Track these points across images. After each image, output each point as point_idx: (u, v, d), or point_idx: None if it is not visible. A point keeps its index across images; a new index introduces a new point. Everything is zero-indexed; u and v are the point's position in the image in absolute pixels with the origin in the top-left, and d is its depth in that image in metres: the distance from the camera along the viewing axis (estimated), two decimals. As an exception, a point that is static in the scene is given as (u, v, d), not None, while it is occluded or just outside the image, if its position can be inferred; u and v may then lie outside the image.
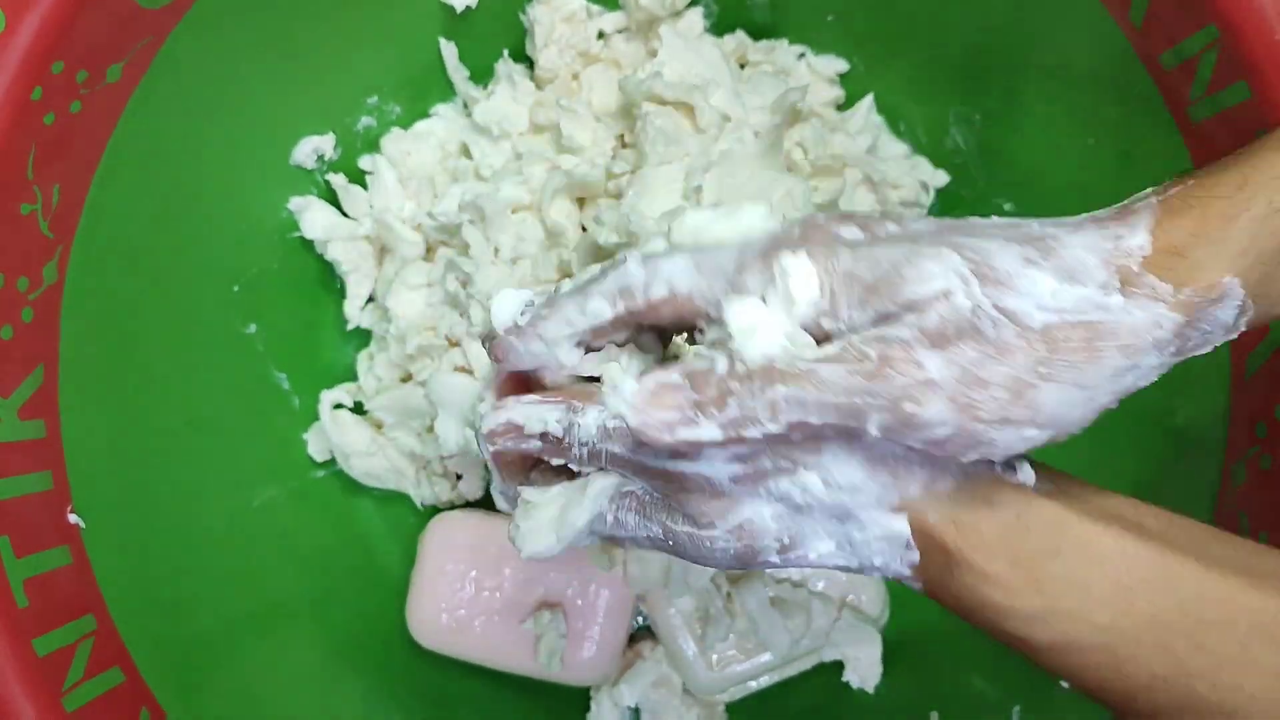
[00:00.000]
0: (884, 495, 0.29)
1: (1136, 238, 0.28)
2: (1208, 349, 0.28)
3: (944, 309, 0.27)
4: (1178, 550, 0.29)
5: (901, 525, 0.29)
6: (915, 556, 0.30)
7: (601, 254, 0.52)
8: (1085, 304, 0.27)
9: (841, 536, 0.30)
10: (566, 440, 0.31)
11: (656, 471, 0.30)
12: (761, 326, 0.28)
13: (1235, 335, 0.28)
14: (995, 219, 0.29)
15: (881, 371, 0.27)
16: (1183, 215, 0.28)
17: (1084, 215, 0.29)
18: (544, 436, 0.32)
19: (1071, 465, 0.53)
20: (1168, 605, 0.28)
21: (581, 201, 0.56)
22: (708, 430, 0.28)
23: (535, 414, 0.32)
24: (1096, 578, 0.28)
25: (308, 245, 0.59)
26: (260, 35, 0.52)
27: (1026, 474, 0.30)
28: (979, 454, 0.27)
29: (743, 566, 0.31)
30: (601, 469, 0.32)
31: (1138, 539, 0.29)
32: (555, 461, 0.33)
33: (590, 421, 0.31)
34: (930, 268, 0.27)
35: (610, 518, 0.32)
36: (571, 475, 0.33)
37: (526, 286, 0.54)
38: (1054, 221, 0.29)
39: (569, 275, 0.53)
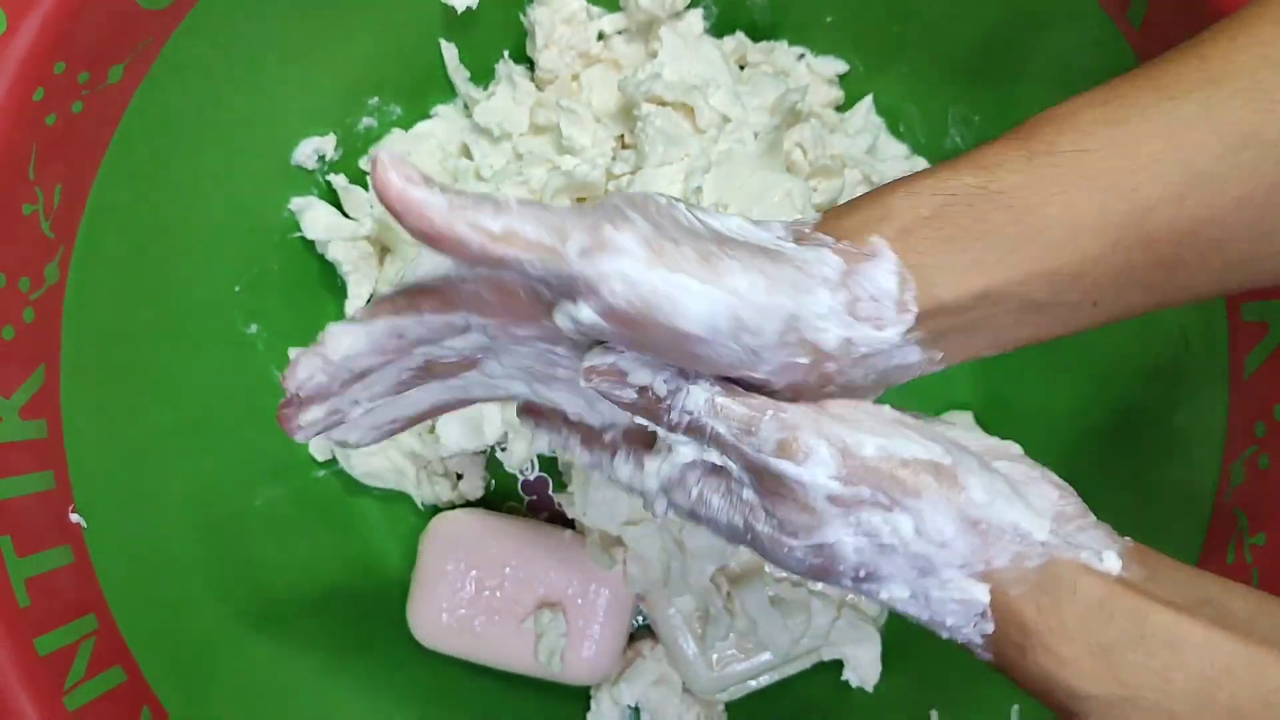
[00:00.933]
0: (971, 559, 0.29)
1: (810, 219, 0.32)
2: (888, 331, 0.29)
3: (656, 206, 0.29)
4: (1264, 640, 0.28)
5: (982, 594, 0.29)
6: (990, 628, 0.30)
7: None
8: (764, 239, 0.30)
9: (919, 588, 0.30)
10: (666, 403, 0.31)
11: (758, 465, 0.30)
12: None
13: (909, 317, 0.29)
14: None
15: (584, 211, 0.28)
16: (845, 205, 0.32)
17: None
18: (643, 391, 0.31)
19: (1072, 465, 0.54)
20: (1250, 697, 0.27)
21: (582, 202, 0.56)
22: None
23: (645, 365, 0.31)
24: (1177, 668, 0.28)
25: (309, 245, 0.59)
26: (261, 36, 0.52)
27: (1111, 562, 0.29)
28: (678, 325, 0.28)
29: (815, 578, 0.31)
30: (693, 442, 0.32)
31: (1222, 628, 0.28)
32: (639, 421, 0.32)
33: (700, 392, 0.30)
34: (659, 198, 0.30)
35: (694, 492, 0.32)
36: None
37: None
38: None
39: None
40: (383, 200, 0.27)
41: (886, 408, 0.31)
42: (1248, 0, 0.31)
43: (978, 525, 0.29)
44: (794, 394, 0.30)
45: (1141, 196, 0.29)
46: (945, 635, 0.31)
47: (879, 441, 0.29)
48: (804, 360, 0.29)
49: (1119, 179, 0.29)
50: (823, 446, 0.29)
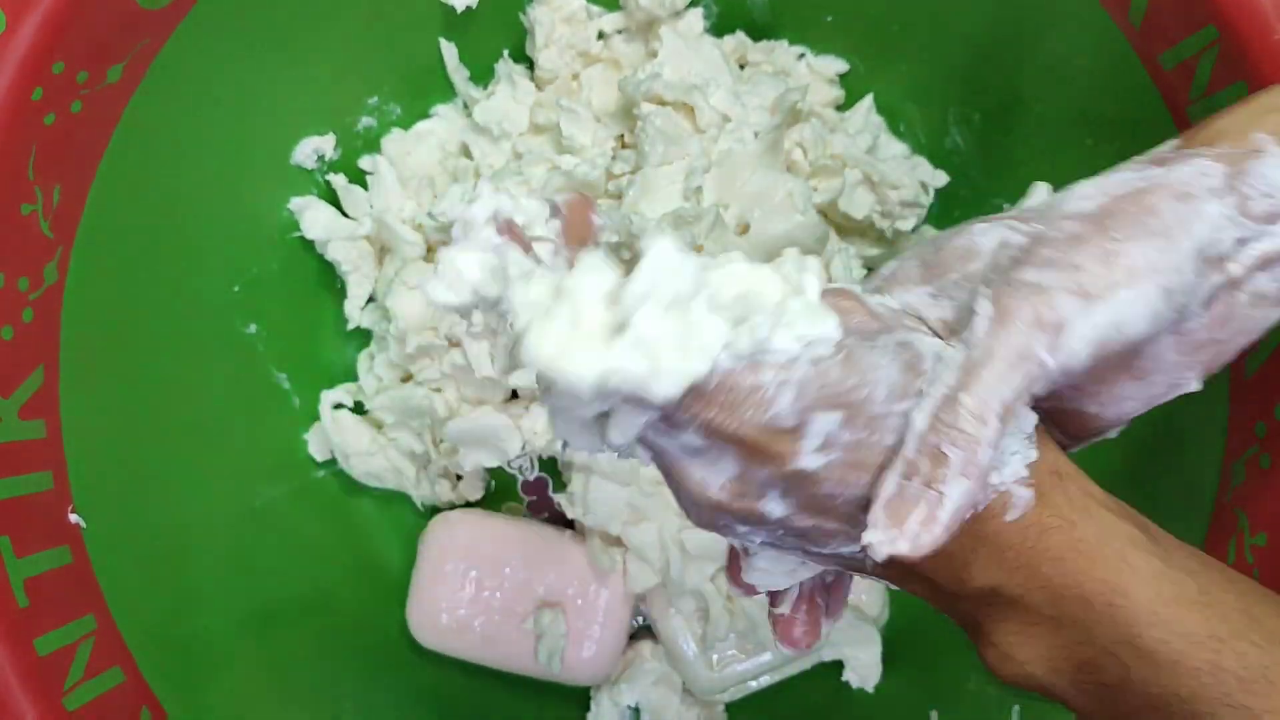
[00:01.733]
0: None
1: (1165, 146, 0.30)
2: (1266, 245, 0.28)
3: (1004, 251, 0.29)
4: None
5: None
6: None
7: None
8: (1128, 180, 0.29)
9: None
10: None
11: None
12: None
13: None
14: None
15: (1004, 315, 0.27)
16: (1201, 124, 0.30)
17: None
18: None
19: (1073, 459, 0.53)
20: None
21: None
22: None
23: None
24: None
25: (308, 245, 0.59)
26: (261, 36, 0.52)
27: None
28: (1131, 336, 0.27)
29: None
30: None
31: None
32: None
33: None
34: (977, 234, 0.30)
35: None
36: None
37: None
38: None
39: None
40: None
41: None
42: None
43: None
44: (1221, 321, 0.30)
45: None
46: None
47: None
48: (1220, 279, 0.29)
49: None
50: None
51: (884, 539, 0.26)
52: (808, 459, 0.27)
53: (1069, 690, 0.28)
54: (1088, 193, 0.29)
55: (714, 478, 0.28)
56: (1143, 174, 0.29)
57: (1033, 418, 0.28)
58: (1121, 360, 0.29)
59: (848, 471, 0.27)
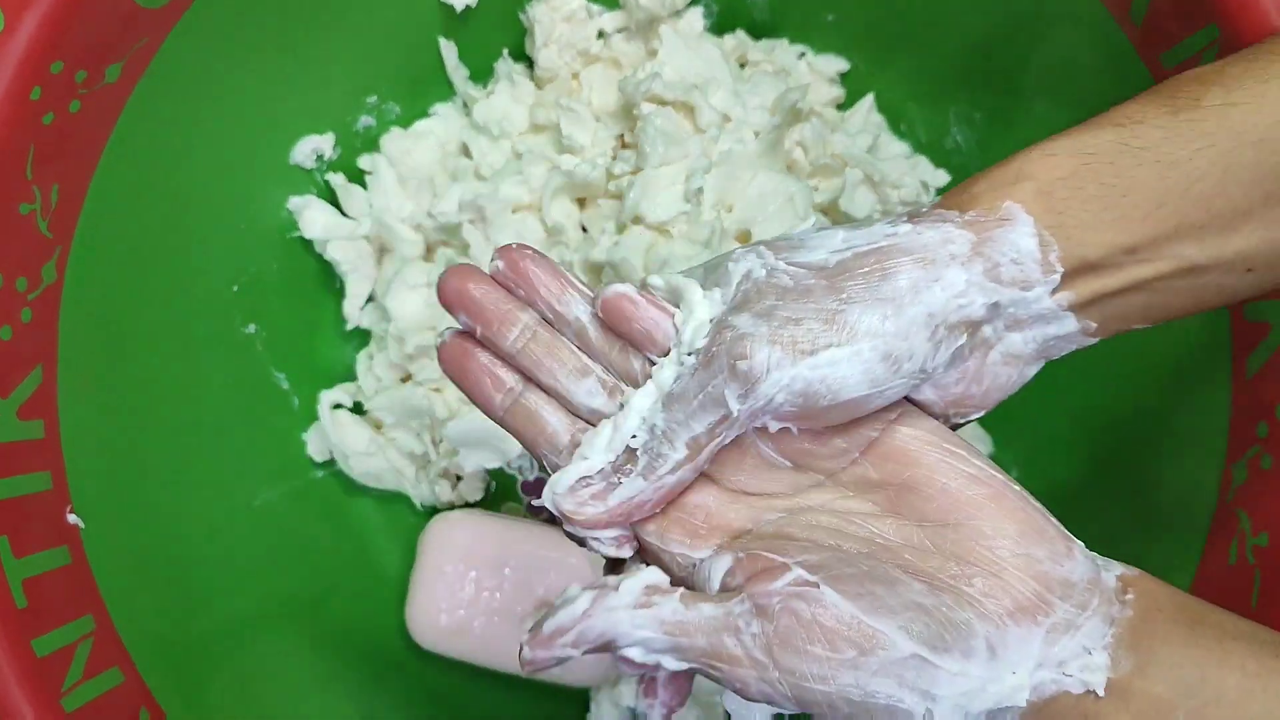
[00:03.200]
0: None
1: (924, 205, 0.31)
2: (1035, 290, 0.29)
3: (746, 284, 0.30)
4: None
5: None
6: None
7: (599, 272, 0.52)
8: (875, 236, 0.29)
9: None
10: None
11: None
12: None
13: (1055, 276, 0.29)
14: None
15: (711, 351, 0.29)
16: (975, 175, 0.31)
17: None
18: None
19: (1073, 466, 0.53)
20: None
21: (582, 202, 0.56)
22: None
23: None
24: None
25: (307, 245, 0.59)
26: (259, 35, 0.52)
27: (1097, 676, 0.27)
28: (843, 396, 0.28)
29: None
30: None
31: None
32: None
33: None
34: (735, 264, 0.31)
35: None
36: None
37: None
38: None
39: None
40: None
41: (852, 623, 0.28)
42: None
43: None
44: (975, 377, 0.30)
45: None
46: None
47: (841, 697, 0.28)
48: (963, 340, 0.29)
49: (1270, 133, 0.28)
50: (784, 703, 0.28)
51: (554, 497, 0.30)
52: None
53: None
54: (835, 244, 0.30)
55: None
56: (892, 230, 0.29)
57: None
58: (852, 409, 0.29)
59: None
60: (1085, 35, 0.48)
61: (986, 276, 0.29)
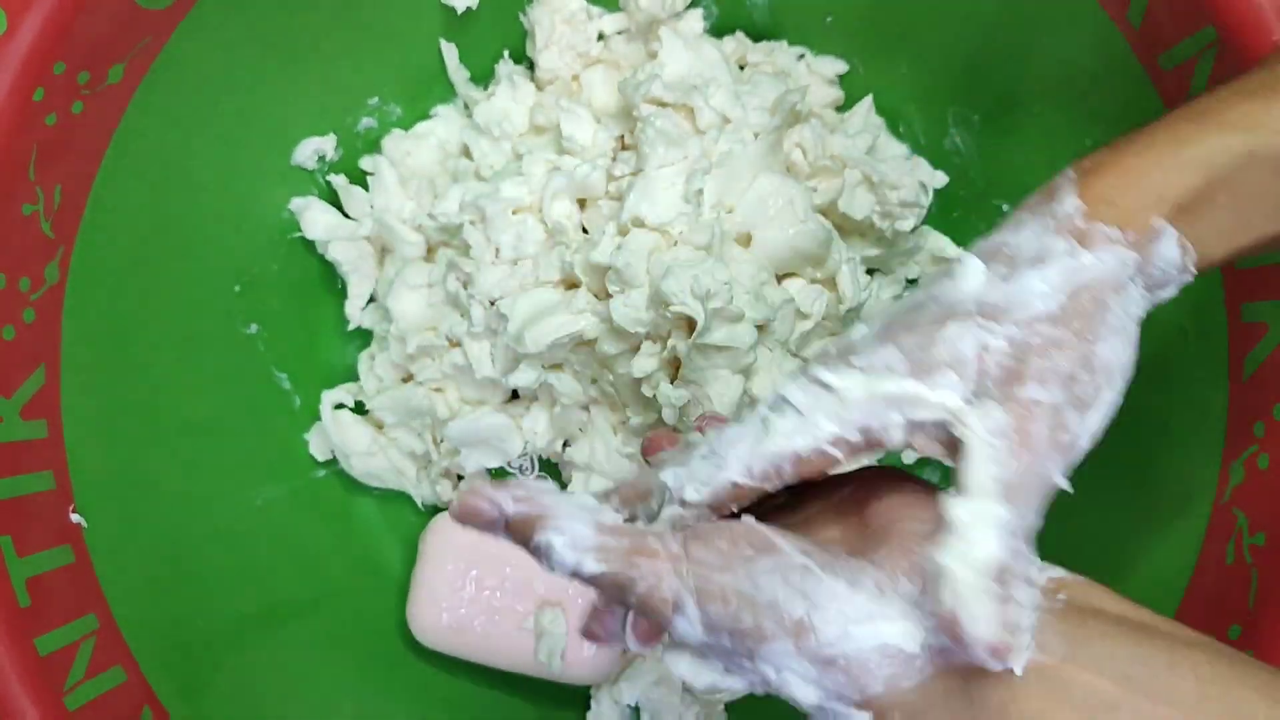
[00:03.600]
0: (844, 691, 0.29)
1: (1067, 204, 0.31)
2: (1172, 290, 0.32)
3: (989, 358, 0.30)
4: None
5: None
6: None
7: (600, 273, 0.52)
8: (1067, 274, 0.30)
9: (820, 713, 0.30)
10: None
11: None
12: None
13: (1189, 277, 0.32)
14: (928, 293, 0.32)
15: (1024, 438, 0.29)
16: (1100, 175, 0.32)
17: (1010, 211, 0.33)
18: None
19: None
20: None
21: (582, 203, 0.56)
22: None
23: None
24: None
25: (309, 246, 0.59)
26: (261, 36, 0.52)
27: (1018, 657, 0.28)
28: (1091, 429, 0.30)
29: None
30: None
31: None
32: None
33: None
34: (953, 338, 0.30)
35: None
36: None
37: (528, 287, 0.54)
38: (987, 235, 0.32)
39: (570, 276, 0.53)
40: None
41: (755, 529, 0.30)
42: None
43: (834, 663, 0.28)
44: None
45: None
46: None
47: (733, 586, 0.29)
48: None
49: None
50: (688, 601, 0.29)
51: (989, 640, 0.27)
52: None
53: None
54: (1041, 290, 0.30)
55: None
56: (1076, 266, 0.30)
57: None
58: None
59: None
60: (1083, 37, 0.48)
61: (1147, 290, 0.31)
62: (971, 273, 0.31)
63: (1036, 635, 0.28)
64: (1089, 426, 0.30)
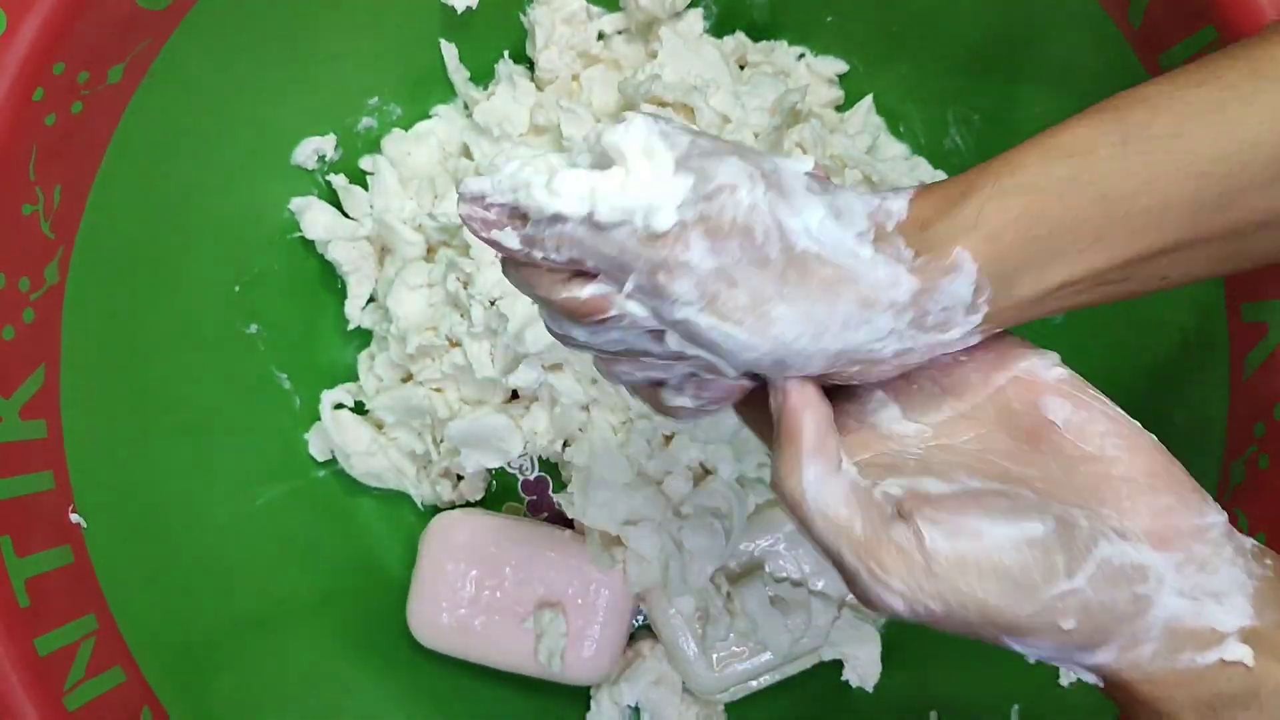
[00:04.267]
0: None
1: (896, 204, 0.30)
2: (951, 332, 0.30)
3: (727, 199, 0.28)
4: None
5: (1091, 677, 0.29)
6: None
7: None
8: (841, 247, 0.29)
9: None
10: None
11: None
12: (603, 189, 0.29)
13: (977, 316, 0.29)
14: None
15: (651, 242, 0.28)
16: (932, 194, 0.30)
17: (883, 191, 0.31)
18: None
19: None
20: None
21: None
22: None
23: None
24: None
25: (309, 245, 0.59)
26: (261, 36, 0.52)
27: (1236, 622, 0.28)
28: (702, 353, 0.29)
29: None
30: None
31: None
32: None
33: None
34: (726, 166, 0.29)
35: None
36: None
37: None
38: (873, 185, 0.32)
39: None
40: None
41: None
42: None
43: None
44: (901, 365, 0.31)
45: (1233, 182, 0.29)
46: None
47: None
48: (854, 369, 0.30)
49: (1214, 165, 0.28)
50: None
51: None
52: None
53: None
54: (812, 222, 0.29)
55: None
56: (855, 251, 0.29)
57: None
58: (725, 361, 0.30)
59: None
60: (1083, 36, 0.48)
61: (911, 325, 0.29)
62: (798, 166, 0.30)
63: (1252, 600, 0.28)
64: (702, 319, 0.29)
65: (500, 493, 0.62)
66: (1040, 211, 0.29)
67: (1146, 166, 0.29)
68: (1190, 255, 0.30)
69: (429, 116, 0.61)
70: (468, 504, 0.61)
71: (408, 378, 0.59)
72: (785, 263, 0.28)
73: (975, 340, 0.30)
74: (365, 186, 0.60)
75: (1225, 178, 0.28)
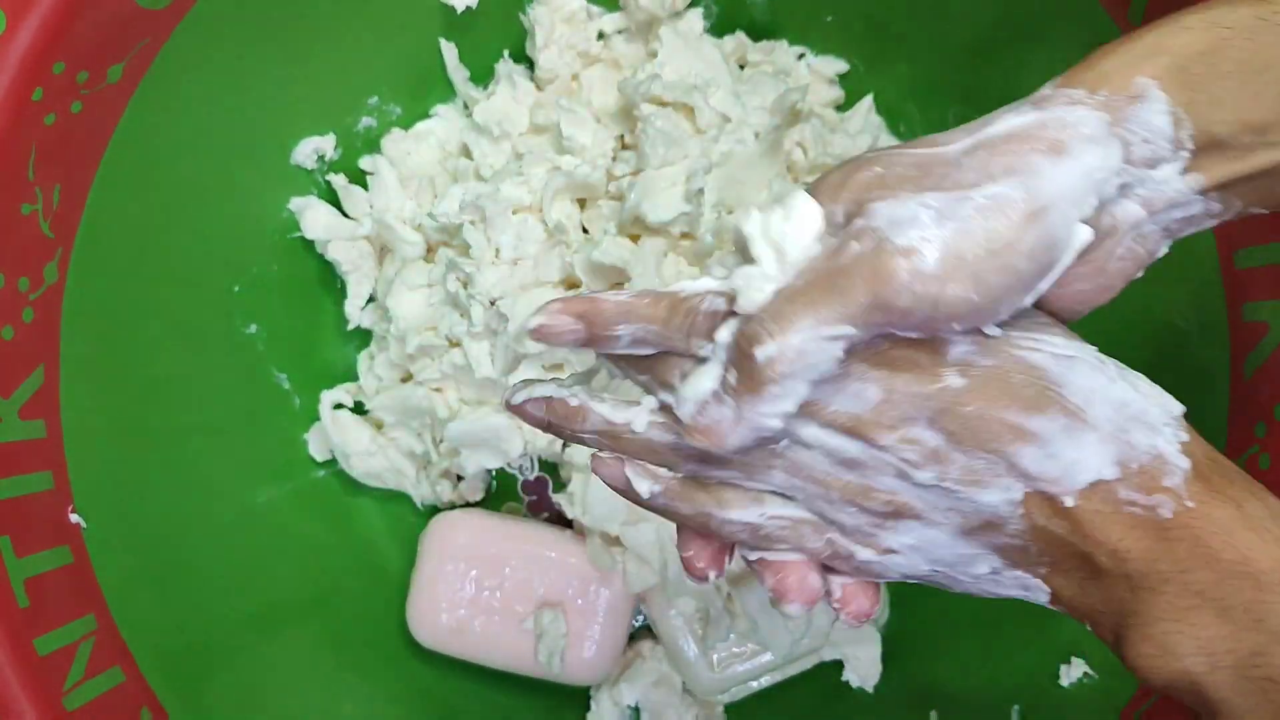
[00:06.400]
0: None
1: (1043, 89, 0.29)
2: (1168, 167, 0.28)
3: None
4: None
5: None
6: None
7: (600, 272, 0.52)
8: (999, 125, 0.28)
9: None
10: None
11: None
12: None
13: (1186, 152, 0.28)
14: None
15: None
16: (1106, 46, 0.29)
17: None
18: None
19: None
20: None
21: (583, 202, 0.56)
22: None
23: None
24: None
25: (308, 245, 0.59)
26: (261, 36, 0.52)
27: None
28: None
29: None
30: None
31: None
32: None
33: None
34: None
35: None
36: None
37: (528, 287, 0.54)
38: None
39: (571, 276, 0.53)
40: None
41: None
42: None
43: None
44: (1089, 278, 0.30)
45: None
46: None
47: None
48: (1096, 235, 0.28)
49: None
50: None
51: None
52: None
53: (1229, 688, 0.27)
54: (961, 136, 0.28)
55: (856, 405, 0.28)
56: (1017, 119, 0.28)
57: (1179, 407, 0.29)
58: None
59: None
60: (1083, 37, 0.48)
61: (1123, 157, 0.27)
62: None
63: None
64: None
65: (500, 493, 0.62)
66: (1228, 47, 0.27)
67: None
68: None
69: (429, 116, 0.61)
70: (467, 504, 0.61)
71: (407, 378, 0.59)
72: (949, 169, 0.27)
73: (1197, 207, 0.29)
74: (365, 186, 0.60)
75: None
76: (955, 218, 0.26)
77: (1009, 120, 0.28)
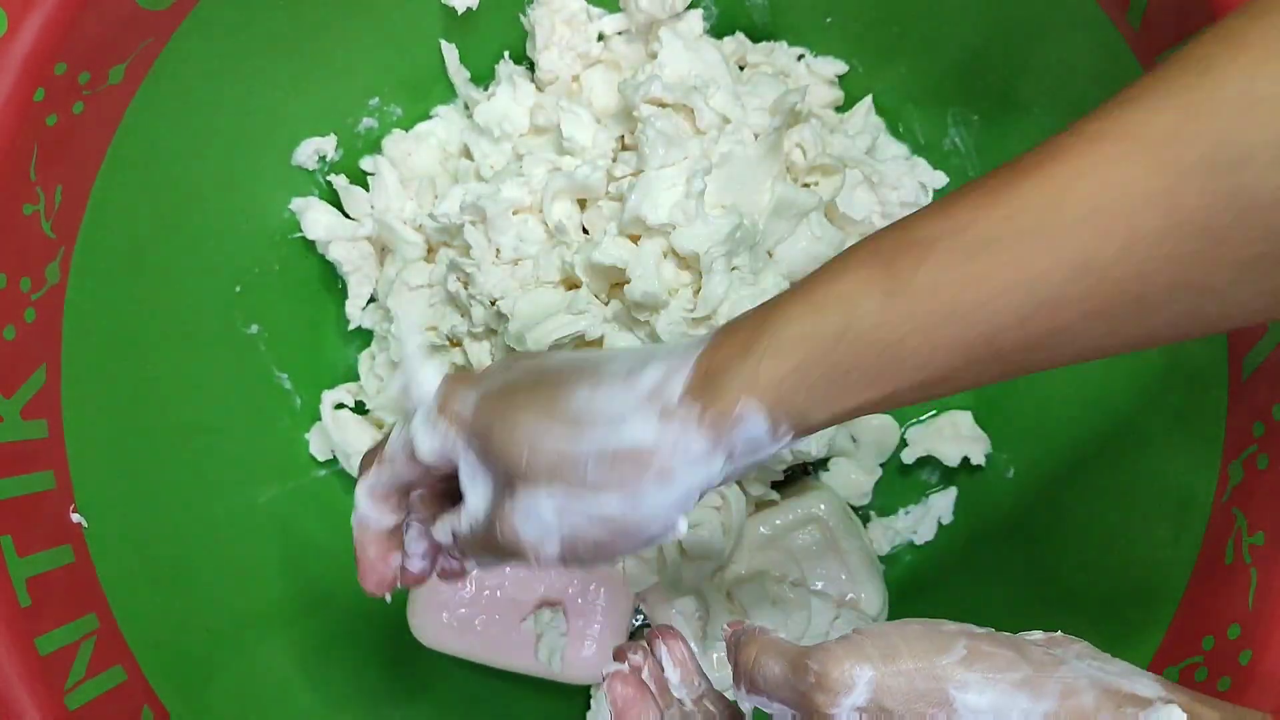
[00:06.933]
0: None
1: (684, 371, 0.33)
2: (767, 450, 0.32)
3: None
4: None
5: None
6: None
7: (601, 273, 0.52)
8: (626, 438, 0.32)
9: None
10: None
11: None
12: None
13: (787, 438, 0.32)
14: None
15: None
16: (723, 343, 0.33)
17: (686, 342, 0.34)
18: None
19: (1071, 466, 0.54)
20: None
21: (583, 203, 0.56)
22: None
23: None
24: None
25: (309, 246, 0.59)
26: (262, 37, 0.52)
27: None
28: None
29: None
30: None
31: None
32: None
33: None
34: None
35: None
36: None
37: (528, 287, 0.54)
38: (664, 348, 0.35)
39: (571, 276, 0.54)
40: None
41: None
42: (1079, 126, 0.30)
43: None
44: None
45: (993, 324, 0.30)
46: None
47: None
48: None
49: (972, 310, 0.30)
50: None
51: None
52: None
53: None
54: (608, 413, 0.33)
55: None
56: (642, 434, 0.32)
57: None
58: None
59: None
60: (1083, 37, 0.48)
61: (730, 463, 0.32)
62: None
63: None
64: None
65: (500, 493, 0.62)
66: (814, 360, 0.31)
67: (909, 316, 0.31)
68: (974, 377, 0.32)
69: (429, 117, 0.61)
70: (468, 504, 0.61)
71: (408, 378, 0.59)
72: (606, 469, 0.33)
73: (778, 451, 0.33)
74: (366, 187, 0.60)
75: (983, 321, 0.30)
76: (572, 515, 0.33)
77: (636, 433, 0.32)
